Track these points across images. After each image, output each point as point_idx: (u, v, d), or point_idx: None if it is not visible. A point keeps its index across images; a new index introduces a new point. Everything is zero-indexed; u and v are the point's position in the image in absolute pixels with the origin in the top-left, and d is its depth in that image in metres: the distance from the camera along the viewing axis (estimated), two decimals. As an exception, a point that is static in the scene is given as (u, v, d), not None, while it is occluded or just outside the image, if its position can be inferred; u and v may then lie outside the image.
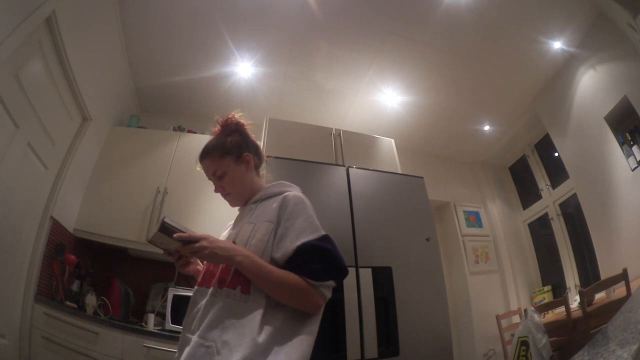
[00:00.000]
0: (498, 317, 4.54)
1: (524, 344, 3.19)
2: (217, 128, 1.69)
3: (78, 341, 2.76)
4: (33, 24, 2.40)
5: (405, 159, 4.09)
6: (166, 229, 1.26)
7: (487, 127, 5.39)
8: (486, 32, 3.80)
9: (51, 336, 2.74)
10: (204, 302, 1.30)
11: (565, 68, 4.23)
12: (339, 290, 2.51)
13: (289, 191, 1.52)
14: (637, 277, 3.04)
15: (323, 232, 1.41)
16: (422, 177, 3.27)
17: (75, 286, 3.22)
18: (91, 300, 3.13)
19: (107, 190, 3.60)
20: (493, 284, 5.19)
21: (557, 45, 3.98)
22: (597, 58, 3.81)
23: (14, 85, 2.37)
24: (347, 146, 3.48)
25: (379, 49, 4.01)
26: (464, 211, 5.54)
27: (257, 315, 1.21)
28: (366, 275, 2.63)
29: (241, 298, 1.25)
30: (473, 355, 4.70)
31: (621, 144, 3.51)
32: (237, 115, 1.71)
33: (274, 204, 1.45)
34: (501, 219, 5.65)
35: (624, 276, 2.83)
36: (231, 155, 1.58)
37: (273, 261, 1.31)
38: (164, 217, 1.28)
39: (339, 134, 3.54)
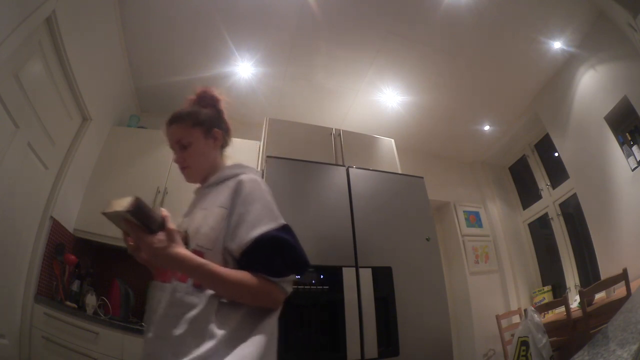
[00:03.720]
0: (498, 317, 4.54)
1: (524, 344, 3.19)
2: (192, 97, 1.61)
3: (78, 341, 2.76)
4: (33, 24, 2.40)
5: (405, 159, 4.10)
6: (139, 212, 1.05)
7: (487, 127, 5.39)
8: (486, 32, 3.80)
9: (51, 336, 2.73)
10: (158, 296, 1.21)
11: (565, 68, 4.23)
12: (339, 290, 2.52)
13: (245, 174, 1.39)
14: (637, 277, 3.05)
15: (282, 221, 1.30)
16: (422, 177, 3.27)
17: (75, 286, 3.22)
18: (91, 300, 3.13)
19: (107, 190, 3.60)
20: (493, 284, 5.19)
21: (557, 45, 3.98)
22: (597, 58, 3.81)
23: (14, 85, 2.37)
24: (347, 146, 3.48)
25: (379, 49, 4.01)
26: (464, 211, 5.54)
27: (212, 310, 1.12)
28: (366, 275, 2.63)
29: (193, 292, 1.14)
30: (473, 355, 4.70)
31: (621, 144, 3.51)
32: (217, 91, 1.67)
33: (228, 187, 1.33)
34: (501, 219, 5.65)
35: (624, 276, 2.83)
36: (202, 127, 1.50)
37: (227, 251, 1.20)
38: (138, 198, 1.06)
39: (339, 134, 3.55)
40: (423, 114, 4.99)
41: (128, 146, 3.90)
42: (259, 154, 3.65)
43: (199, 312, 1.10)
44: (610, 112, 3.60)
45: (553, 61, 4.20)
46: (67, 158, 3.21)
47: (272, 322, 1.22)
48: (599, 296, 3.33)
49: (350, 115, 5.00)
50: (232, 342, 1.08)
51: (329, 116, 4.93)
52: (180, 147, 1.46)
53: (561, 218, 4.92)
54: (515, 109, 5.03)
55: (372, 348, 2.43)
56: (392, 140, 3.81)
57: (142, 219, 1.07)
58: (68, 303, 3.01)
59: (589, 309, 2.99)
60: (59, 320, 2.80)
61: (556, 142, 4.49)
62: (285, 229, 1.29)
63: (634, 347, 0.67)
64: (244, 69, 4.20)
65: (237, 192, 1.29)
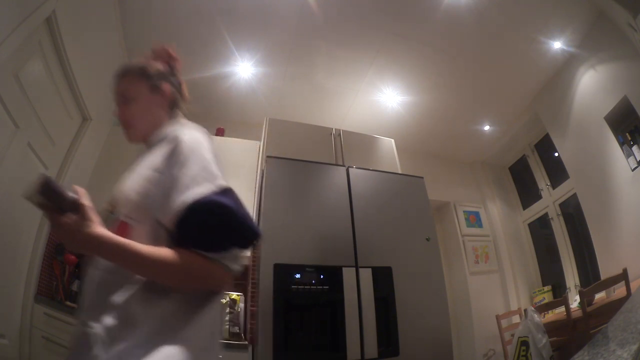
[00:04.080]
0: (498, 317, 4.54)
1: (524, 344, 3.19)
2: (148, 52, 1.49)
3: (78, 341, 2.76)
4: (33, 24, 2.40)
5: (405, 159, 4.09)
6: (46, 190, 0.90)
7: (487, 127, 5.39)
8: (486, 32, 3.80)
9: (51, 336, 2.73)
10: (89, 275, 1.02)
11: (565, 68, 4.23)
12: (339, 290, 2.52)
13: (187, 131, 1.17)
14: (637, 277, 3.04)
15: (223, 184, 1.04)
16: (422, 177, 3.27)
17: (75, 286, 3.22)
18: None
19: (107, 191, 3.59)
20: (493, 284, 5.19)
21: (557, 45, 3.98)
22: (597, 58, 3.81)
23: (14, 85, 2.37)
24: (347, 146, 3.48)
25: (379, 48, 4.01)
26: (464, 211, 5.54)
27: (138, 295, 0.93)
28: (366, 275, 2.63)
29: (119, 270, 0.94)
30: (473, 355, 4.70)
31: (621, 144, 3.51)
32: (175, 52, 1.53)
33: (165, 147, 1.11)
34: (501, 219, 5.65)
35: (624, 276, 2.83)
36: (149, 81, 1.35)
37: (159, 224, 0.99)
38: (45, 176, 0.89)
39: (339, 134, 3.54)
40: (423, 114, 4.99)
41: (128, 146, 3.89)
42: (259, 154, 3.65)
43: (123, 296, 0.92)
44: (610, 112, 3.60)
45: (553, 61, 4.20)
46: (67, 158, 3.20)
47: (213, 310, 1.05)
48: (599, 296, 3.33)
49: (350, 115, 5.00)
50: (160, 336, 0.90)
51: (329, 116, 4.93)
52: (123, 101, 1.35)
53: (561, 218, 4.92)
54: (515, 109, 5.03)
55: (372, 348, 2.43)
56: (392, 140, 3.81)
57: (52, 198, 0.91)
58: (68, 303, 3.01)
59: (589, 309, 2.99)
60: (59, 320, 2.80)
61: (556, 142, 4.49)
62: (226, 192, 1.03)
63: (634, 347, 0.67)
64: (244, 69, 4.21)
65: (173, 152, 1.07)
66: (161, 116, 1.35)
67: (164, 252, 0.93)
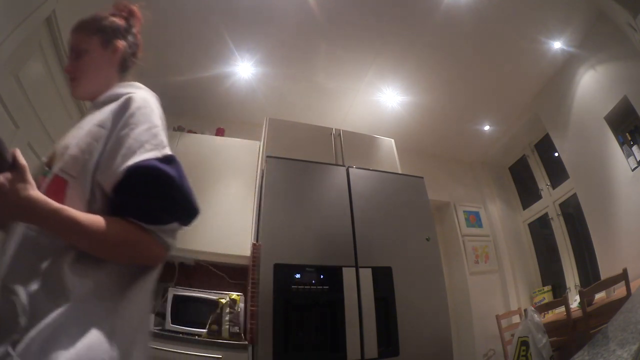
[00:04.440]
0: (498, 317, 4.54)
1: (524, 344, 3.19)
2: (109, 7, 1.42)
3: (78, 341, 2.76)
4: (33, 24, 2.40)
5: (405, 159, 4.09)
6: None
7: (487, 127, 5.39)
8: (486, 32, 3.80)
9: None
10: (10, 234, 0.86)
11: (565, 68, 4.23)
12: (339, 290, 2.52)
13: (138, 92, 1.14)
14: (637, 277, 3.04)
15: (168, 151, 1.00)
16: (422, 177, 3.27)
17: None
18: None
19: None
20: (493, 284, 5.19)
21: (557, 45, 3.98)
22: (597, 58, 3.81)
23: (14, 85, 2.37)
24: (347, 146, 3.48)
25: (379, 49, 4.01)
26: (464, 211, 5.54)
27: (67, 263, 0.83)
28: (366, 275, 2.63)
29: (49, 235, 0.84)
30: (473, 355, 4.69)
31: (621, 144, 3.51)
32: (139, 8, 1.46)
33: (114, 105, 1.05)
34: (501, 219, 5.64)
35: (624, 276, 2.83)
36: (102, 35, 1.30)
37: (96, 184, 0.93)
38: None
39: (339, 134, 3.55)
40: (423, 114, 4.99)
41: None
42: (259, 154, 3.65)
43: (51, 263, 0.83)
44: (610, 112, 3.60)
45: (553, 61, 4.20)
46: (67, 158, 3.20)
47: (146, 286, 0.98)
48: (599, 296, 3.33)
49: (351, 115, 5.00)
50: (90, 311, 0.82)
51: (329, 116, 4.93)
52: (74, 55, 1.27)
53: (561, 218, 4.92)
54: (515, 109, 5.02)
55: (372, 348, 2.44)
56: (392, 140, 3.81)
57: None
58: None
59: (589, 309, 2.99)
60: None
61: (556, 142, 4.48)
62: (169, 160, 0.98)
63: (634, 347, 0.67)
64: (244, 69, 4.21)
65: (121, 110, 1.02)
66: (110, 74, 1.29)
67: (100, 221, 0.86)
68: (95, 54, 1.27)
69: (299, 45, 3.96)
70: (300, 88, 4.57)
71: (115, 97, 1.09)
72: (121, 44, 1.33)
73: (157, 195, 0.94)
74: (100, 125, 0.99)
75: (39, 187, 0.85)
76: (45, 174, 0.98)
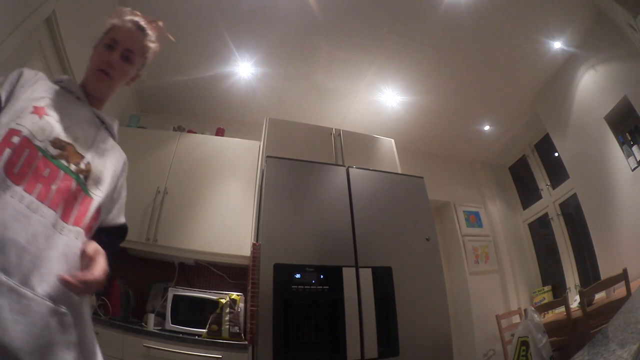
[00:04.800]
0: (498, 317, 4.54)
1: (524, 344, 3.19)
2: (160, 24, 1.46)
3: (78, 341, 2.76)
4: (33, 24, 2.40)
5: (405, 159, 4.10)
6: None
7: (487, 127, 5.39)
8: (486, 32, 3.80)
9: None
10: (38, 231, 0.90)
11: (565, 68, 4.22)
12: (339, 290, 2.52)
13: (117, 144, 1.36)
14: (637, 277, 3.04)
15: None
16: (422, 177, 3.27)
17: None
18: (91, 300, 3.12)
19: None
20: (493, 284, 5.19)
21: (557, 45, 3.98)
22: (597, 58, 3.80)
23: (14, 85, 2.37)
24: (347, 146, 3.49)
25: (379, 49, 4.01)
26: (464, 211, 5.54)
27: (90, 328, 1.04)
28: (366, 275, 2.63)
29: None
30: (473, 355, 4.70)
31: (621, 144, 3.51)
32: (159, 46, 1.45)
33: (119, 154, 1.32)
34: (501, 219, 5.65)
35: (623, 276, 2.83)
36: (144, 60, 1.39)
37: (97, 214, 1.12)
38: None
39: (339, 134, 3.55)
40: (423, 114, 4.99)
41: (128, 146, 3.88)
42: (259, 154, 3.65)
43: (83, 333, 1.00)
44: (610, 112, 3.60)
45: (553, 61, 4.20)
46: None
47: None
48: (599, 296, 3.33)
49: (351, 115, 5.00)
50: (91, 329, 1.03)
51: (329, 116, 4.93)
52: (125, 55, 1.28)
53: (561, 218, 4.92)
54: (516, 109, 5.02)
55: (372, 348, 2.44)
56: (392, 140, 3.81)
57: None
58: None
59: (589, 309, 2.99)
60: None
61: (556, 142, 4.48)
62: None
63: (634, 347, 0.67)
64: (244, 69, 4.21)
65: (124, 169, 1.33)
66: (116, 90, 1.36)
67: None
68: (132, 71, 1.35)
69: (299, 45, 3.96)
70: (300, 88, 4.57)
71: (113, 133, 1.36)
72: (138, 78, 1.44)
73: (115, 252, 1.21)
74: (116, 174, 1.25)
75: (52, 180, 1.00)
76: (79, 181, 1.08)
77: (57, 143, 1.04)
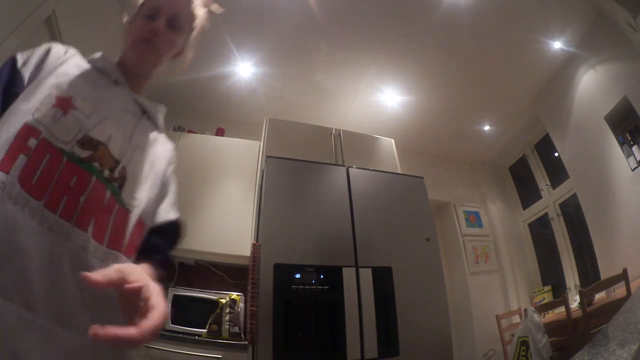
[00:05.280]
0: (498, 317, 4.53)
1: (524, 344, 3.19)
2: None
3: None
4: (33, 24, 2.40)
5: (405, 159, 4.09)
6: None
7: (487, 127, 5.38)
8: (486, 32, 3.80)
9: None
10: (66, 258, 0.75)
11: (565, 68, 4.22)
12: (339, 290, 2.52)
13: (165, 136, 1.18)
14: (637, 277, 3.04)
15: None
16: (422, 177, 3.27)
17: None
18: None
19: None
20: (493, 284, 5.19)
21: (557, 45, 3.98)
22: (597, 58, 3.80)
23: (14, 85, 2.37)
24: (347, 146, 3.49)
25: (379, 49, 4.01)
26: (464, 211, 5.54)
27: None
28: (366, 275, 2.63)
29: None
30: (473, 356, 4.69)
31: (621, 144, 3.51)
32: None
33: (163, 145, 1.12)
34: (501, 219, 5.64)
35: (624, 276, 2.83)
36: (193, 30, 1.18)
37: (140, 227, 0.95)
38: None
39: (339, 134, 3.55)
40: (423, 114, 4.99)
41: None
42: (259, 154, 3.65)
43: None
44: (610, 112, 3.60)
45: (553, 61, 4.20)
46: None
47: None
48: (599, 296, 3.33)
49: (351, 115, 5.00)
50: None
51: (329, 116, 4.93)
52: (170, 22, 1.08)
53: (561, 218, 4.92)
54: (516, 109, 5.02)
55: (372, 348, 2.43)
56: (392, 140, 3.81)
57: None
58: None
59: (589, 309, 2.99)
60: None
61: (556, 142, 4.49)
62: None
63: (634, 347, 0.67)
64: (244, 69, 4.21)
65: (171, 162, 1.16)
66: (164, 70, 1.16)
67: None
68: (180, 42, 1.13)
69: (299, 45, 3.96)
70: (300, 88, 4.57)
71: (157, 121, 1.15)
72: (186, 55, 1.22)
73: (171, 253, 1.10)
74: (165, 173, 1.10)
75: (98, 197, 0.84)
76: (91, 171, 0.84)
77: (87, 143, 0.85)
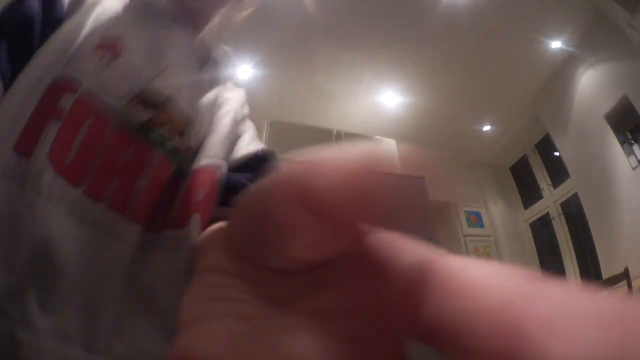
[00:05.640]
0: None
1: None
2: None
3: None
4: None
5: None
6: None
7: (487, 127, 5.38)
8: (485, 32, 3.80)
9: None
10: (116, 265, 0.52)
11: (564, 67, 4.23)
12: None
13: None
14: (638, 276, 3.04)
15: None
16: (422, 178, 3.26)
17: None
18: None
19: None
20: (495, 284, 5.18)
21: (556, 44, 3.98)
22: (596, 57, 3.81)
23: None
24: (347, 147, 3.49)
25: (378, 49, 4.01)
26: (465, 211, 5.53)
27: None
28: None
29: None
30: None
31: (622, 143, 3.52)
32: None
33: (231, 93, 0.81)
34: (502, 219, 5.64)
35: (625, 275, 2.83)
36: None
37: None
38: None
39: (340, 136, 3.56)
40: (423, 114, 4.98)
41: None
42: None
43: None
44: (610, 111, 3.61)
45: (552, 60, 4.20)
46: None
47: None
48: (601, 295, 3.33)
49: (351, 116, 4.99)
50: None
51: (329, 118, 4.91)
52: None
53: (562, 217, 4.91)
54: (516, 108, 5.01)
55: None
56: (393, 141, 3.81)
57: None
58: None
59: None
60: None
61: (557, 141, 4.49)
62: None
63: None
64: (243, 71, 4.21)
65: (242, 109, 0.83)
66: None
67: None
68: None
69: (298, 47, 3.96)
70: (300, 90, 4.57)
71: (225, 64, 0.83)
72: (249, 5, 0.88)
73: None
74: (238, 125, 0.77)
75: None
76: (154, 142, 0.58)
77: (147, 100, 0.59)
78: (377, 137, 3.82)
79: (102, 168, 0.52)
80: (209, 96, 0.72)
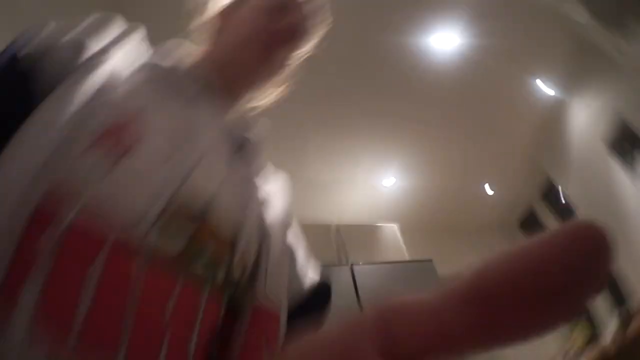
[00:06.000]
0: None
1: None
2: None
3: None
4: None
5: (411, 241, 3.99)
6: None
7: (490, 190, 5.32)
8: (473, 98, 3.88)
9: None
10: None
11: (555, 109, 4.22)
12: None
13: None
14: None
15: None
16: (430, 260, 3.16)
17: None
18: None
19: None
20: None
21: (545, 90, 4.00)
22: (587, 90, 3.86)
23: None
24: (348, 241, 3.42)
25: (370, 131, 4.05)
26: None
27: None
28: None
29: None
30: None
31: (627, 169, 3.45)
32: None
33: (274, 183, 0.73)
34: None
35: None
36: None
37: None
38: None
39: (338, 230, 3.49)
40: (422, 192, 4.97)
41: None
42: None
43: None
44: (609, 139, 3.59)
45: (543, 105, 4.20)
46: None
47: None
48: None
49: (348, 205, 4.92)
50: None
51: (325, 210, 4.81)
52: (307, 26, 0.71)
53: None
54: (515, 163, 4.96)
55: None
56: (395, 226, 3.74)
57: None
58: None
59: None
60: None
61: (561, 183, 4.48)
62: None
63: None
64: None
65: (289, 202, 0.75)
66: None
67: None
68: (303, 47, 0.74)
69: (287, 145, 3.96)
70: (292, 188, 4.54)
71: (258, 145, 0.71)
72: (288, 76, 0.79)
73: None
74: (288, 227, 0.67)
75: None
76: (199, 283, 0.42)
77: (182, 211, 0.42)
78: (378, 224, 3.74)
79: (138, 336, 0.34)
80: (252, 190, 0.58)
